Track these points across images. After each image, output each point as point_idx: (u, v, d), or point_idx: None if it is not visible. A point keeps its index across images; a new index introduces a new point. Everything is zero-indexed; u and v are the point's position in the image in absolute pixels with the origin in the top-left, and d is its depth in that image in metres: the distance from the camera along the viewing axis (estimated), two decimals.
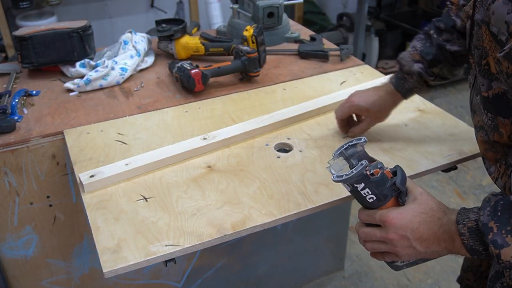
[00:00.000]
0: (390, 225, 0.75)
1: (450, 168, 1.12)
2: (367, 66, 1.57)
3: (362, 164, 0.74)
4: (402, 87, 1.10)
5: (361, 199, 0.78)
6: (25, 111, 1.31)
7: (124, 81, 1.47)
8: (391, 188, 0.76)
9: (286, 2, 1.71)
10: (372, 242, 0.79)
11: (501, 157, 0.84)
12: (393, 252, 0.77)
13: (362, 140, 0.80)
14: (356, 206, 2.49)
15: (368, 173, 0.74)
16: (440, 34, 1.06)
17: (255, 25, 1.52)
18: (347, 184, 0.76)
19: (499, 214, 0.67)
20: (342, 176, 0.74)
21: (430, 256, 0.77)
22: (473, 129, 0.94)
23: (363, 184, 0.75)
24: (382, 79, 1.41)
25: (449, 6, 1.06)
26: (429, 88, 1.13)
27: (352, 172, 0.73)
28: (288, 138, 1.19)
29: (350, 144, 0.80)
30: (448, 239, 0.72)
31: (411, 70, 1.08)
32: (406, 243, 0.74)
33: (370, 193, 0.76)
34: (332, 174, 0.77)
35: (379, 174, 0.75)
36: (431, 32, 1.08)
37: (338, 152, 0.80)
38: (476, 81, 0.83)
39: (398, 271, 0.86)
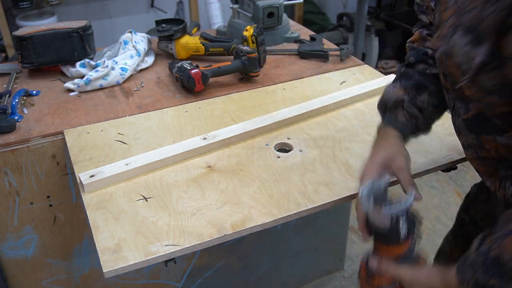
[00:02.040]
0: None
1: (450, 168, 1.12)
2: (367, 66, 1.57)
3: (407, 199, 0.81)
4: (396, 121, 0.95)
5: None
6: (25, 111, 1.31)
7: (124, 81, 1.47)
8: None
9: (286, 2, 1.71)
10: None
11: (493, 171, 0.84)
12: None
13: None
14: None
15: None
16: (414, 66, 0.97)
17: (255, 25, 1.52)
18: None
19: (490, 272, 0.68)
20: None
21: None
22: None
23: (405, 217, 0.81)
24: (381, 80, 1.41)
25: (411, 43, 1.01)
26: (427, 128, 0.99)
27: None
28: (288, 138, 1.19)
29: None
30: None
31: (396, 100, 0.96)
32: None
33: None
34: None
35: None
36: (403, 70, 0.99)
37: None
38: (455, 104, 0.84)
39: None
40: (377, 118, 1.27)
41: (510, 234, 0.68)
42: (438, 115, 0.98)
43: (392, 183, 1.02)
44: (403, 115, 0.95)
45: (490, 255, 0.68)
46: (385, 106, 0.99)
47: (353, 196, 1.02)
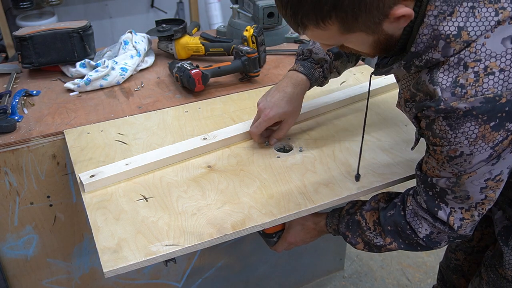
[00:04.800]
0: (290, 243, 1.21)
1: None
2: (366, 66, 1.57)
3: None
4: (313, 75, 1.14)
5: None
6: (25, 111, 1.31)
7: (124, 81, 1.47)
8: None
9: None
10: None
11: None
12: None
13: None
14: None
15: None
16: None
17: (255, 25, 1.52)
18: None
19: (350, 227, 1.04)
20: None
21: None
22: None
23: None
24: (381, 80, 1.41)
25: None
26: (322, 84, 1.21)
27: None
28: (288, 138, 1.20)
29: None
30: (320, 234, 1.14)
31: (324, 58, 1.14)
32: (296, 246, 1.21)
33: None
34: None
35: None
36: None
37: None
38: None
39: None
40: (376, 118, 1.28)
41: (370, 210, 1.01)
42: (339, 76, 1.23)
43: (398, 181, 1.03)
44: (319, 72, 1.15)
45: (354, 217, 1.03)
46: (312, 53, 1.15)
47: (353, 196, 1.02)
